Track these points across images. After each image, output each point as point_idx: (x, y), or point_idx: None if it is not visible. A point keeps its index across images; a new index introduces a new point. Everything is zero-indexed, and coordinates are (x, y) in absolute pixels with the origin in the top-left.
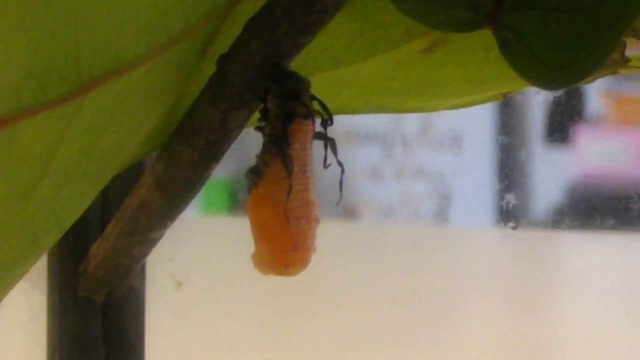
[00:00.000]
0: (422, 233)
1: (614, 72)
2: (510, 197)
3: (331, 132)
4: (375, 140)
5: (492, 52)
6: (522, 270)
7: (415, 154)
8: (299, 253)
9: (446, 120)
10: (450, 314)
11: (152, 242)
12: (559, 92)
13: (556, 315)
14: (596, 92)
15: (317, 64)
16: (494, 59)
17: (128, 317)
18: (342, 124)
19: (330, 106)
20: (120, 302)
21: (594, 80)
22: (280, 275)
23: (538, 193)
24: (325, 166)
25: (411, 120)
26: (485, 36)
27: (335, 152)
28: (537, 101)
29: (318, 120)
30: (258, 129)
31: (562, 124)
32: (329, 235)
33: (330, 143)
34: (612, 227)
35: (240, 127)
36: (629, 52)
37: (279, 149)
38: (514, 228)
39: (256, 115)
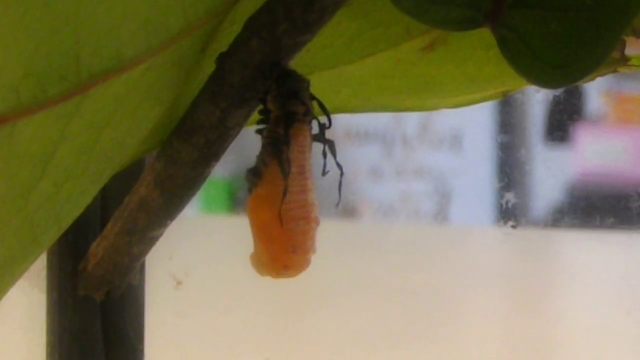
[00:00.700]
0: (422, 232)
1: (614, 71)
2: (510, 196)
3: (331, 131)
4: (375, 139)
5: (491, 50)
6: (522, 269)
7: (415, 153)
8: (298, 255)
9: (446, 119)
10: (450, 312)
11: (152, 241)
12: (559, 91)
13: (556, 313)
14: (596, 91)
15: (316, 63)
16: (494, 58)
17: (127, 316)
18: (342, 123)
19: (330, 105)
20: (119, 300)
21: (593, 78)
22: (278, 277)
23: (538, 192)
24: (324, 173)
25: (411, 119)
26: (485, 35)
27: (334, 154)
28: (537, 100)
29: (316, 122)
30: (259, 127)
31: (561, 123)
32: (329, 234)
33: (329, 145)
34: (612, 226)
35: (239, 126)
36: (628, 51)
37: (277, 151)
38: (513, 227)
39: (256, 114)
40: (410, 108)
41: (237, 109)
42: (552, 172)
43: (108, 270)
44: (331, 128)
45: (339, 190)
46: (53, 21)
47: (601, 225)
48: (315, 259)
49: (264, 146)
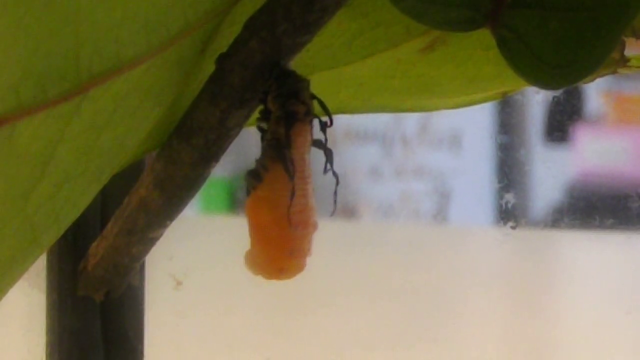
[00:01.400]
0: (422, 232)
1: (614, 72)
2: (510, 196)
3: (331, 131)
4: (375, 140)
5: (491, 51)
6: (522, 269)
7: (414, 153)
8: (294, 259)
9: (446, 119)
10: (449, 312)
11: (152, 241)
12: (559, 92)
13: (556, 314)
14: (595, 92)
15: (316, 63)
16: (494, 58)
17: (127, 316)
18: (342, 124)
19: (330, 105)
20: (119, 301)
21: (593, 79)
22: (273, 279)
23: (537, 192)
24: (326, 171)
25: (411, 120)
26: (484, 35)
27: (331, 163)
28: (537, 101)
29: (317, 122)
30: (260, 129)
31: (561, 124)
32: (328, 234)
33: (327, 153)
34: (612, 226)
35: (239, 126)
36: (628, 52)
37: (280, 152)
38: (513, 227)
39: (255, 114)
40: (410, 108)
41: (237, 109)
42: (551, 172)
43: (108, 270)
44: (331, 128)
45: (334, 200)
46: (53, 21)
47: (601, 225)
48: (315, 259)
49: (265, 148)
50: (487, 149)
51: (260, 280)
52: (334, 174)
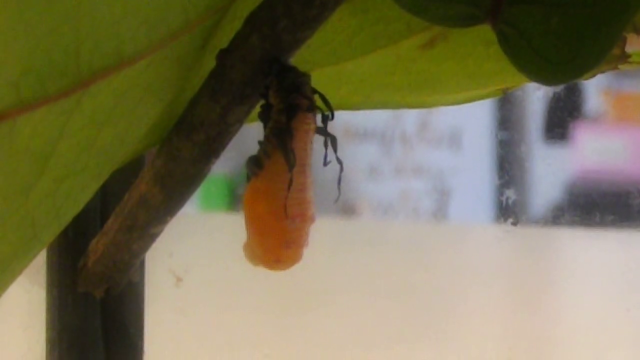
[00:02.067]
0: (422, 230)
1: (614, 68)
2: (510, 193)
3: (330, 129)
4: (374, 137)
5: (492, 47)
6: (522, 267)
7: (414, 151)
8: (291, 250)
9: (445, 116)
10: (449, 310)
11: (152, 237)
12: (559, 89)
13: (556, 311)
14: (596, 89)
15: (317, 59)
16: (494, 54)
17: (127, 313)
18: (342, 121)
19: (330, 102)
20: (119, 297)
21: (594, 75)
22: (270, 269)
23: (538, 189)
24: (325, 163)
25: (410, 117)
26: (485, 31)
27: (335, 149)
28: (537, 97)
29: (318, 116)
30: (262, 119)
31: (561, 120)
32: (328, 232)
33: (331, 139)
34: (612, 223)
35: (240, 122)
36: (629, 48)
37: (282, 142)
38: (513, 224)
39: (256, 111)
40: (411, 105)
41: (238, 105)
42: (551, 169)
43: (108, 267)
44: (331, 126)
45: (338, 185)
46: (53, 17)
47: (601, 222)
48: (315, 257)
49: (267, 136)
50: (487, 146)
51: (260, 277)
52: (338, 160)
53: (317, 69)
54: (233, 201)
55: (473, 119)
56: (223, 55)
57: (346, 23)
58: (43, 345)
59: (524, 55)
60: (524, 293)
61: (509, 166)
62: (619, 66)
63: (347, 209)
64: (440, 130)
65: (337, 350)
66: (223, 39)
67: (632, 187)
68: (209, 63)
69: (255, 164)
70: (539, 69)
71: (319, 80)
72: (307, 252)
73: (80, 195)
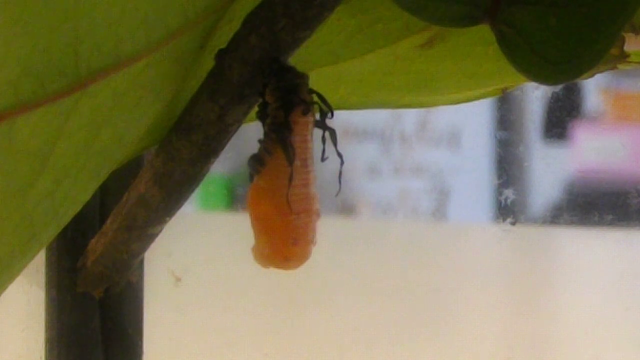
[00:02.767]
0: (421, 229)
1: (613, 68)
2: (509, 193)
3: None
4: (373, 137)
5: (490, 47)
6: (521, 266)
7: (413, 151)
8: (299, 247)
9: (444, 116)
10: (448, 309)
11: (151, 237)
12: (558, 88)
13: (555, 310)
14: (594, 88)
15: (315, 59)
16: (493, 54)
17: (126, 313)
18: (341, 121)
19: (329, 101)
20: (118, 297)
21: (592, 75)
22: (280, 269)
23: (536, 189)
24: (323, 159)
25: (409, 117)
26: (484, 31)
27: (335, 143)
28: (536, 97)
29: (317, 114)
30: (260, 118)
31: (560, 120)
32: (327, 232)
33: (330, 133)
34: (611, 223)
35: (239, 122)
36: (627, 48)
37: (281, 137)
38: (512, 224)
39: (255, 111)
40: (409, 105)
41: (236, 105)
42: (550, 169)
43: (107, 267)
44: (330, 124)
45: (339, 179)
46: (52, 17)
47: (600, 222)
48: (314, 256)
49: (266, 133)
50: (486, 146)
51: (259, 276)
52: (338, 154)
53: (315, 68)
54: (232, 201)
55: (472, 119)
56: (222, 55)
57: (345, 23)
58: (42, 346)
59: (522, 55)
60: (523, 292)
61: (507, 166)
62: (618, 66)
63: (347, 209)
64: (439, 129)
65: (336, 349)
66: (222, 39)
67: (631, 187)
68: (208, 63)
69: (258, 161)
70: (537, 68)
71: (317, 80)
72: (312, 249)
73: (79, 195)
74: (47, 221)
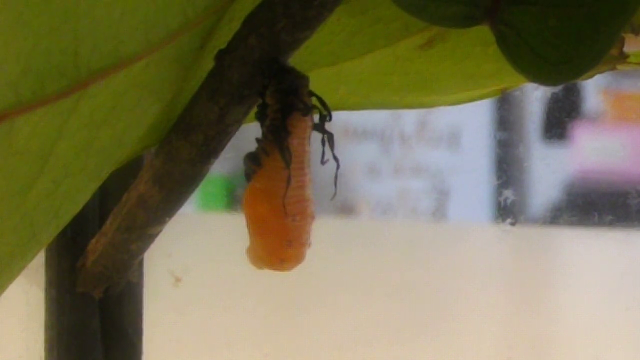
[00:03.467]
0: (420, 229)
1: (613, 68)
2: (509, 193)
3: (329, 128)
4: (373, 137)
5: (490, 47)
6: (521, 266)
7: (413, 151)
8: (293, 249)
9: (444, 116)
10: (448, 310)
11: (150, 238)
12: (557, 89)
13: (555, 310)
14: (594, 89)
15: (315, 60)
16: (493, 55)
17: (126, 313)
18: (340, 121)
19: (328, 102)
20: (118, 297)
21: (592, 76)
22: (275, 270)
23: (536, 189)
24: (323, 162)
25: (409, 117)
26: (483, 32)
27: (332, 147)
28: (535, 97)
29: (316, 117)
30: (259, 119)
31: (560, 120)
32: (327, 232)
33: (328, 137)
34: (610, 223)
35: (238, 123)
36: (627, 49)
37: (278, 139)
38: (512, 224)
39: (254, 111)
40: (409, 105)
41: (236, 105)
42: (550, 169)
43: (107, 267)
44: (329, 126)
45: (335, 183)
46: (52, 17)
47: (599, 222)
48: (314, 257)
49: (264, 134)
50: (486, 146)
51: (258, 277)
52: (335, 157)
53: (315, 69)
54: (232, 201)
55: (472, 119)
56: (221, 55)
57: (345, 23)
58: (42, 345)
59: (522, 56)
60: (523, 292)
61: (507, 166)
62: (618, 66)
63: (346, 209)
64: (439, 130)
65: (336, 349)
66: (222, 39)
67: (631, 187)
68: (208, 63)
69: (253, 160)
70: (537, 69)
71: (317, 80)
72: (306, 251)
73: (78, 195)
74: (47, 221)
